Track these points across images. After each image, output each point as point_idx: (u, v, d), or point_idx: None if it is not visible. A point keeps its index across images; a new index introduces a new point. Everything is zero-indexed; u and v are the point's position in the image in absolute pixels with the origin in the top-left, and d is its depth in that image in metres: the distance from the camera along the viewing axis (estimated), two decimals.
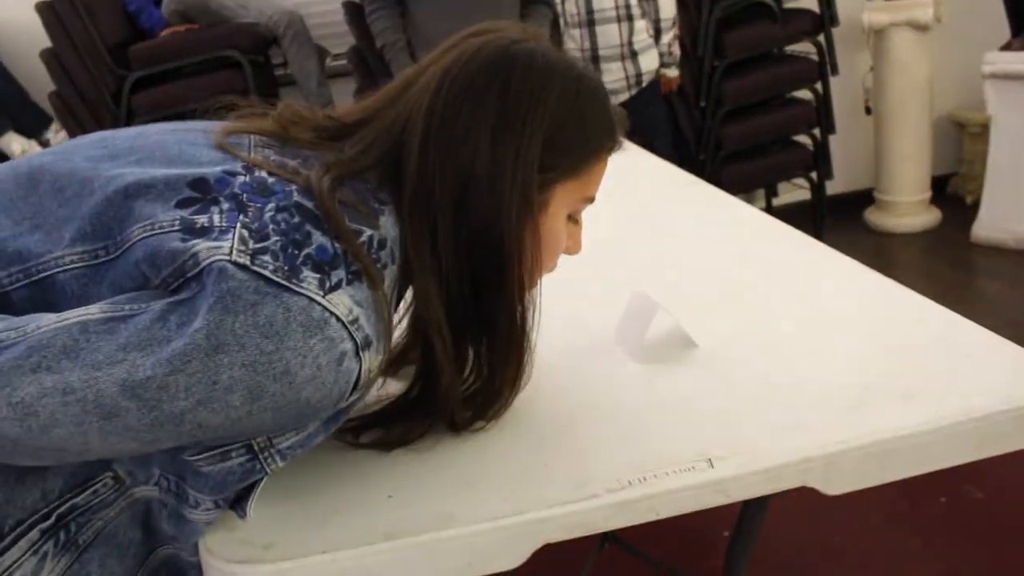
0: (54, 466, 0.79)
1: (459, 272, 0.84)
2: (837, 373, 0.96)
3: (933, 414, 0.85)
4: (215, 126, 0.88)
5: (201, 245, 0.72)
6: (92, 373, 0.68)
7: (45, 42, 3.04)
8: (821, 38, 3.41)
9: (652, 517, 0.80)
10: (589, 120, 0.88)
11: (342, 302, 0.73)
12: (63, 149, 0.86)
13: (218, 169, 0.79)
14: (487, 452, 0.89)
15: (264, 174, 0.79)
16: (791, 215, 3.47)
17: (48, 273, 0.76)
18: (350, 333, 0.73)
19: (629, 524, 0.80)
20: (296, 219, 0.75)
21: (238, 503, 0.81)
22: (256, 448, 0.77)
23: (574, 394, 0.99)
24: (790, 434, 0.86)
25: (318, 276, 0.73)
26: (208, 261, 0.71)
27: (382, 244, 0.80)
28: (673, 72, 3.17)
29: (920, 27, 3.48)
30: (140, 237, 0.74)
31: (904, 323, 1.06)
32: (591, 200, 0.93)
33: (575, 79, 0.87)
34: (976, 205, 3.57)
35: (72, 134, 3.15)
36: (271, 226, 0.74)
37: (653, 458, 0.84)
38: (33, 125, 3.25)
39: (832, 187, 3.70)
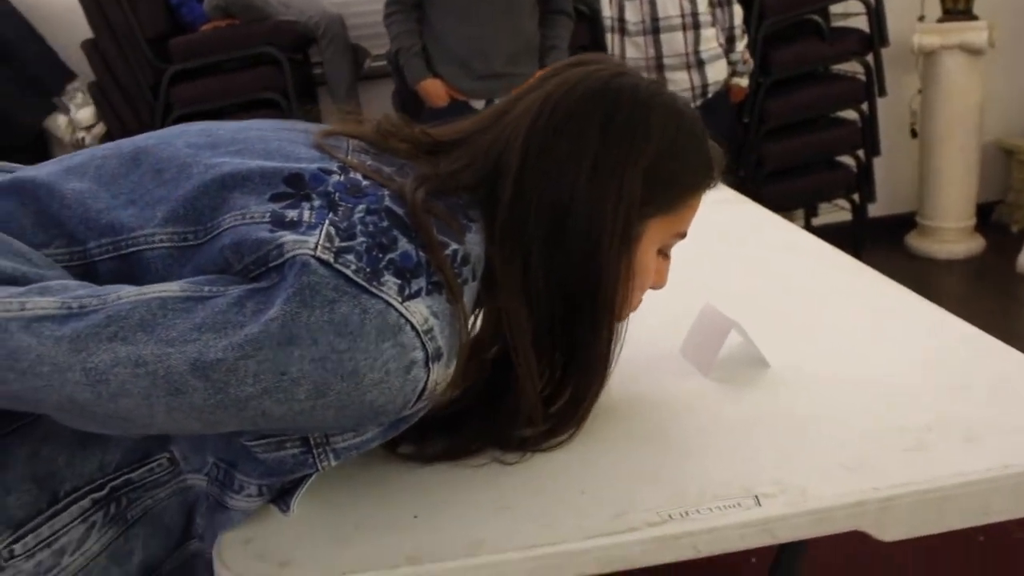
0: (115, 439, 0.79)
1: (550, 299, 0.83)
2: (896, 410, 0.91)
3: (997, 461, 0.80)
4: (316, 127, 0.89)
5: (288, 237, 0.72)
6: (165, 349, 0.68)
7: (86, 31, 3.04)
8: (870, 58, 3.35)
9: (693, 554, 0.75)
10: (688, 156, 0.87)
11: (419, 311, 0.72)
12: (168, 134, 0.87)
13: (314, 166, 0.79)
14: (522, 475, 0.84)
15: (358, 176, 0.80)
16: (830, 236, 3.37)
17: (136, 249, 0.76)
18: (423, 342, 0.72)
19: (669, 561, 0.75)
20: (385, 223, 0.75)
21: (282, 497, 0.80)
22: (312, 442, 0.77)
23: (619, 415, 0.94)
24: (843, 474, 0.80)
25: (399, 282, 0.72)
26: (292, 253, 0.71)
27: (466, 260, 0.78)
28: (745, 81, 3.07)
29: (973, 51, 3.41)
30: (230, 225, 0.75)
31: (968, 361, 1.01)
32: (683, 236, 0.92)
33: (676, 114, 0.86)
34: (1022, 234, 3.48)
35: (109, 125, 3.15)
36: (359, 227, 0.74)
37: (696, 490, 0.80)
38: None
39: (873, 209, 3.62)
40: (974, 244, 3.68)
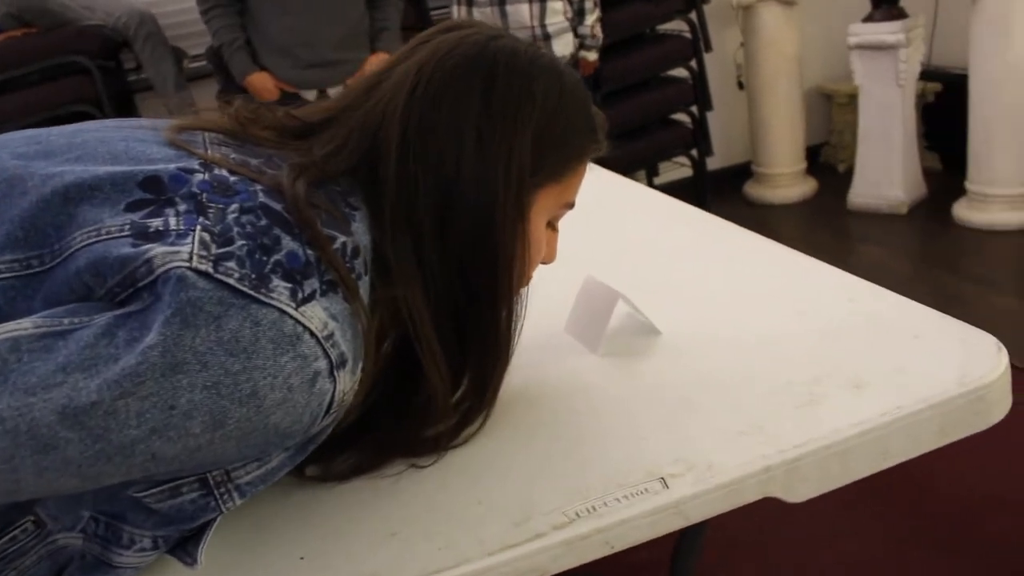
0: None
1: (447, 280, 0.76)
2: (781, 366, 0.89)
3: (890, 404, 0.79)
4: (163, 123, 0.79)
5: (156, 250, 0.62)
6: (25, 399, 0.58)
7: None
8: (693, 16, 3.41)
9: (607, 551, 0.71)
10: (574, 119, 0.82)
11: (316, 315, 0.64)
12: None
13: (172, 167, 0.69)
14: (412, 491, 0.78)
15: (225, 172, 0.70)
16: (673, 193, 3.42)
17: None
18: (324, 350, 0.65)
19: (582, 562, 0.71)
20: (263, 221, 0.66)
21: (182, 547, 0.69)
22: (212, 483, 0.67)
23: (509, 409, 0.88)
24: (744, 440, 0.78)
25: (290, 286, 0.64)
26: (164, 268, 0.61)
27: (356, 252, 0.71)
28: (593, 56, 3.04)
29: (786, 2, 3.53)
30: (83, 244, 0.64)
31: (841, 305, 1.00)
32: (571, 206, 0.87)
33: (558, 77, 0.81)
34: (848, 173, 3.66)
35: None
36: (235, 229, 0.65)
37: (600, 481, 0.75)
38: None
39: (711, 162, 3.72)
40: (807, 186, 3.84)
